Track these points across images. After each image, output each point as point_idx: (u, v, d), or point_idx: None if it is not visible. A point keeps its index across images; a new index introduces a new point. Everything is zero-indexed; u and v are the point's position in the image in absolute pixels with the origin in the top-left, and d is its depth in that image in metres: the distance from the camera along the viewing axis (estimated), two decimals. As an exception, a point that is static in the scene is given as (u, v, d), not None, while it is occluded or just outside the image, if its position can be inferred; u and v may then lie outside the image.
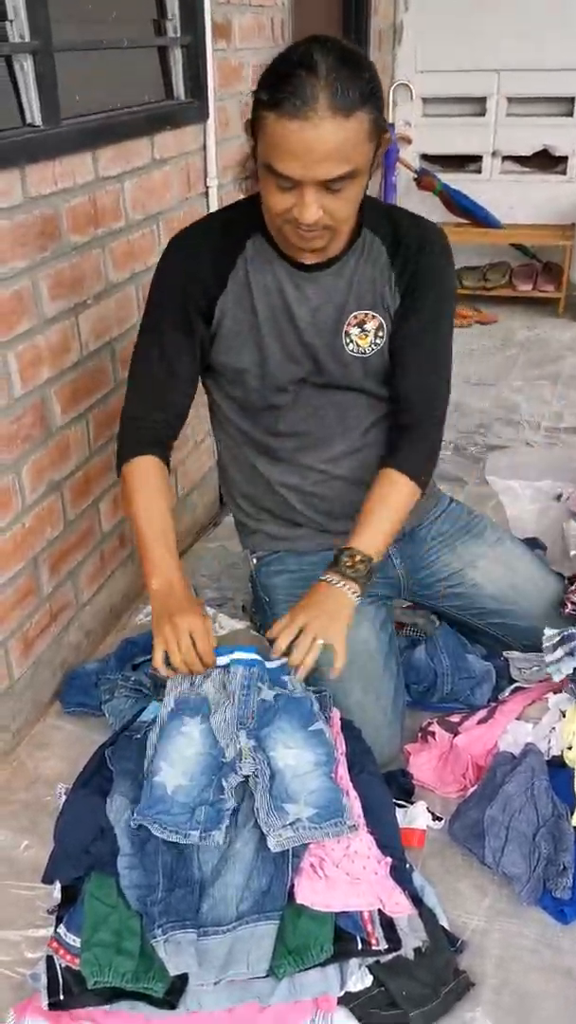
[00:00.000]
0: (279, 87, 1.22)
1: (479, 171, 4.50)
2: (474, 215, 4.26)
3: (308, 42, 1.26)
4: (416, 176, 4.27)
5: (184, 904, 1.24)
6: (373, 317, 1.52)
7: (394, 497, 1.56)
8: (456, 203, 4.24)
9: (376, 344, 1.53)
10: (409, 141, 4.46)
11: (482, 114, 4.40)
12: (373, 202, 1.52)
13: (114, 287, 1.93)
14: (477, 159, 4.50)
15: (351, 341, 1.52)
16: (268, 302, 1.50)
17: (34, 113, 1.63)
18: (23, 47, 1.57)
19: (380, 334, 1.53)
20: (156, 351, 1.55)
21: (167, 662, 1.45)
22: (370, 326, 1.52)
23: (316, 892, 1.27)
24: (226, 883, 1.27)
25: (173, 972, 1.21)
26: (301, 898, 1.26)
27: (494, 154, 4.47)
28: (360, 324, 1.52)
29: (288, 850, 1.29)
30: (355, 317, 1.51)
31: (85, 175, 1.77)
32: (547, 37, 4.08)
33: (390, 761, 1.63)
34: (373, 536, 1.52)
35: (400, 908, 1.30)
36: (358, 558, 1.49)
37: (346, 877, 1.29)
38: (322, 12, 3.44)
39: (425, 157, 4.54)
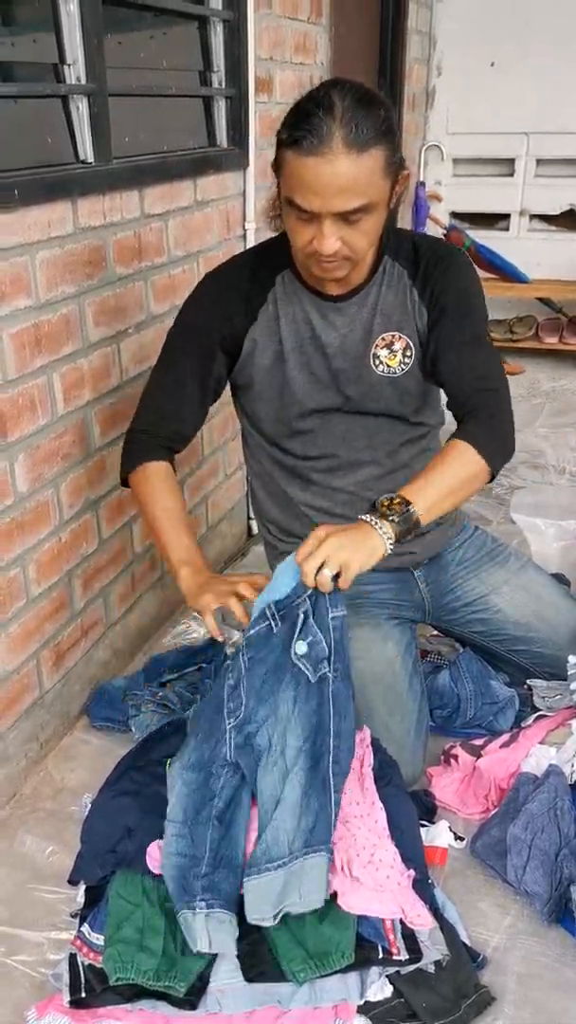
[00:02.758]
0: (298, 126, 1.30)
1: (507, 228, 4.63)
2: (502, 270, 4.37)
3: (327, 85, 1.35)
4: (446, 232, 4.39)
5: (227, 886, 1.27)
6: (400, 338, 1.57)
7: (457, 462, 1.42)
8: (484, 258, 4.34)
9: (405, 364, 1.58)
10: (440, 199, 4.61)
11: (511, 174, 4.54)
12: (399, 232, 1.59)
13: (154, 318, 2.02)
14: (505, 217, 4.63)
15: (380, 362, 1.58)
16: (295, 331, 1.57)
17: (87, 150, 1.73)
18: (79, 89, 1.68)
19: (408, 354, 1.58)
20: (170, 376, 1.62)
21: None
22: (398, 346, 1.57)
23: (342, 892, 1.28)
24: (277, 826, 1.31)
25: (208, 949, 1.23)
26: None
27: (521, 213, 4.59)
28: (388, 345, 1.57)
29: (331, 788, 1.32)
30: (383, 339, 1.57)
31: (132, 211, 1.87)
32: (573, 102, 4.24)
33: (412, 782, 1.64)
34: (422, 488, 1.39)
35: (421, 920, 1.30)
36: (396, 500, 1.37)
37: (369, 884, 1.30)
38: (358, 74, 3.60)
39: (455, 214, 4.67)
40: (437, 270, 1.55)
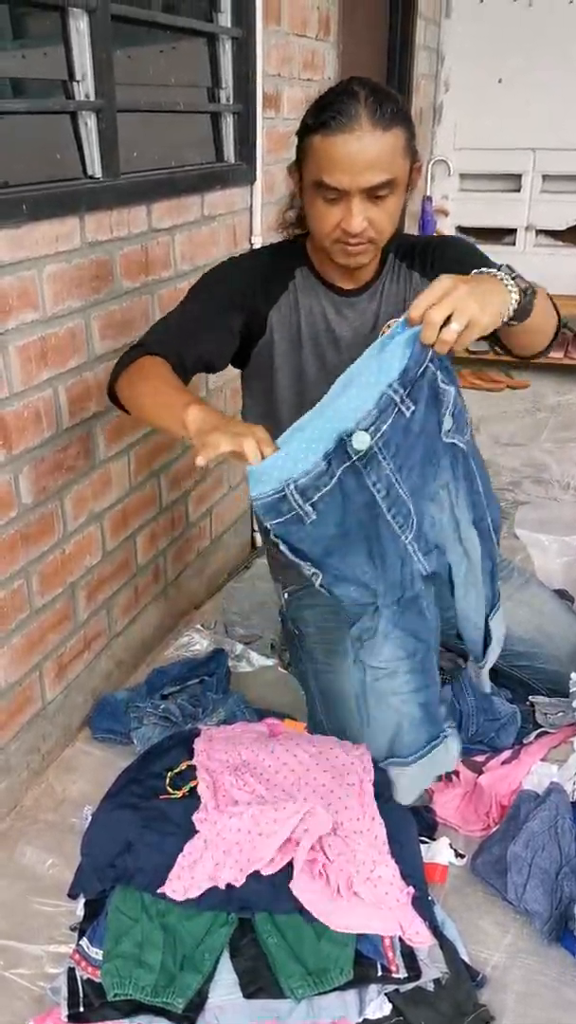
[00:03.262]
0: (325, 111, 1.38)
1: (513, 243, 4.64)
2: (508, 285, 4.37)
3: (345, 80, 1.44)
4: (452, 246, 4.40)
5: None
6: None
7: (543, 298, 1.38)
8: (490, 273, 4.35)
9: None
10: (446, 214, 4.62)
11: (517, 190, 4.56)
12: (404, 235, 1.65)
13: (160, 332, 2.03)
14: (512, 232, 4.64)
15: None
16: (312, 323, 1.62)
17: (95, 166, 1.75)
18: (88, 105, 1.69)
19: None
20: (188, 312, 1.56)
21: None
22: None
23: (337, 911, 1.28)
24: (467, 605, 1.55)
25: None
26: (320, 915, 1.27)
27: (528, 228, 4.61)
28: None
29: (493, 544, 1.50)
30: (388, 326, 1.59)
31: (140, 226, 1.88)
32: (580, 119, 4.26)
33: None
34: (539, 293, 1.33)
35: (420, 938, 1.30)
36: (520, 277, 1.29)
37: (368, 900, 1.30)
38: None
39: (461, 229, 4.69)
40: (435, 248, 1.62)
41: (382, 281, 1.63)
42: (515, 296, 1.26)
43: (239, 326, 1.60)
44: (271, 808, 1.38)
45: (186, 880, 1.32)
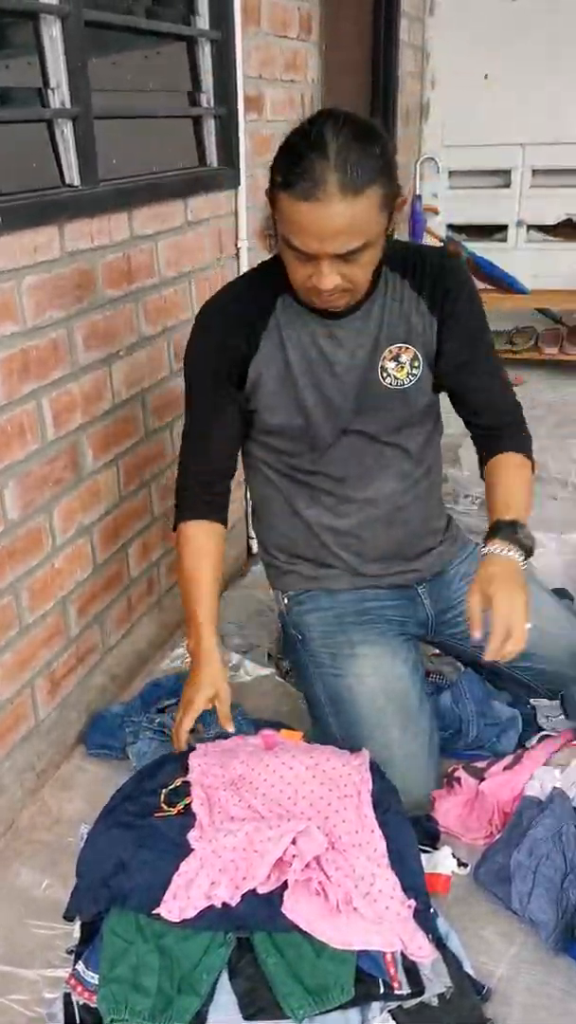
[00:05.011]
0: (291, 169, 1.27)
1: (504, 240, 4.62)
2: (501, 282, 4.35)
3: (320, 121, 1.29)
4: (442, 243, 4.38)
5: None
6: (407, 349, 1.56)
7: (525, 475, 1.65)
8: (483, 270, 4.33)
9: (413, 375, 1.57)
10: (436, 212, 4.60)
11: (507, 185, 4.54)
12: (396, 243, 1.54)
13: (146, 340, 2.00)
14: (503, 228, 4.62)
15: (388, 375, 1.56)
16: (303, 354, 1.55)
17: (73, 174, 1.72)
18: (64, 113, 1.67)
19: (416, 364, 1.57)
20: (196, 426, 1.65)
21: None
22: (405, 358, 1.56)
23: (336, 928, 1.25)
24: None
25: None
26: (319, 934, 1.24)
27: (519, 223, 4.59)
28: (395, 357, 1.56)
29: None
30: (390, 352, 1.56)
31: (121, 233, 1.86)
32: (569, 112, 4.23)
33: (421, 804, 1.61)
34: (518, 506, 1.58)
35: (422, 953, 1.27)
36: (527, 531, 1.55)
37: (368, 915, 1.27)
38: (350, 89, 3.60)
39: (452, 227, 4.67)
40: (442, 280, 1.55)
41: (377, 297, 1.54)
42: (523, 558, 1.53)
43: (235, 388, 1.59)
44: (266, 825, 1.35)
45: (182, 900, 1.29)
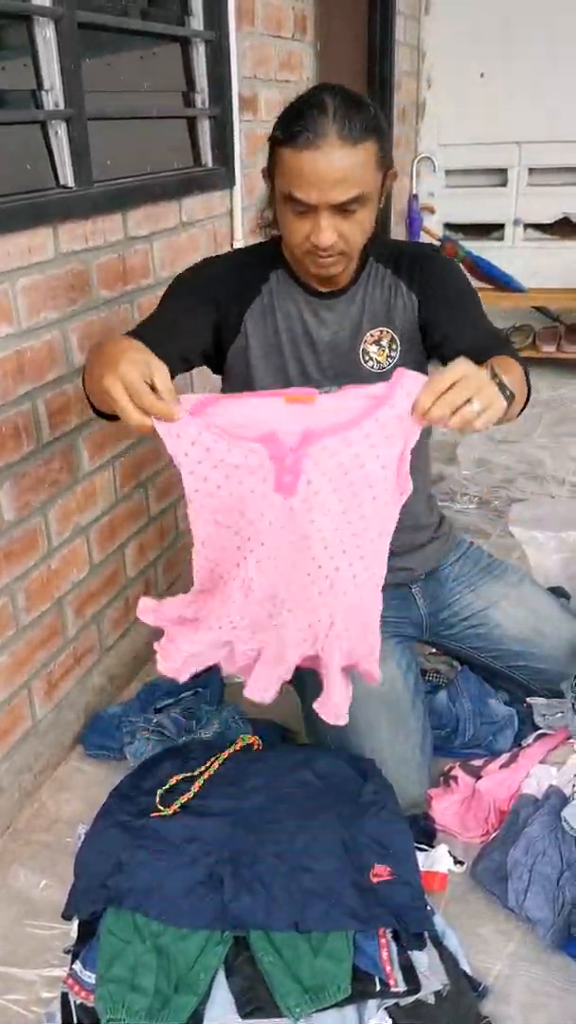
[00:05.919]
0: (293, 125, 1.35)
1: (501, 238, 4.62)
2: (498, 281, 4.35)
3: (316, 89, 1.40)
4: (439, 243, 4.38)
5: None
6: (386, 332, 1.58)
7: (515, 364, 1.35)
8: (480, 269, 4.33)
9: (392, 358, 1.59)
10: (433, 211, 4.60)
11: (503, 184, 4.54)
12: (382, 239, 1.62)
13: (142, 340, 2.00)
14: (499, 227, 4.62)
15: (370, 358, 1.58)
16: (289, 327, 1.58)
17: (67, 176, 1.73)
18: (57, 114, 1.67)
19: (395, 347, 1.59)
20: (160, 320, 1.51)
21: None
22: (385, 341, 1.58)
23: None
24: None
25: None
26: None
27: (516, 222, 4.59)
28: (376, 341, 1.58)
29: None
30: (371, 335, 1.58)
31: (116, 234, 1.86)
32: (565, 110, 4.23)
33: (416, 803, 1.61)
34: (511, 381, 1.24)
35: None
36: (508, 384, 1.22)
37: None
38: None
39: (448, 226, 4.67)
40: (421, 262, 1.59)
41: (362, 284, 1.58)
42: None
43: (212, 322, 1.57)
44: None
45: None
